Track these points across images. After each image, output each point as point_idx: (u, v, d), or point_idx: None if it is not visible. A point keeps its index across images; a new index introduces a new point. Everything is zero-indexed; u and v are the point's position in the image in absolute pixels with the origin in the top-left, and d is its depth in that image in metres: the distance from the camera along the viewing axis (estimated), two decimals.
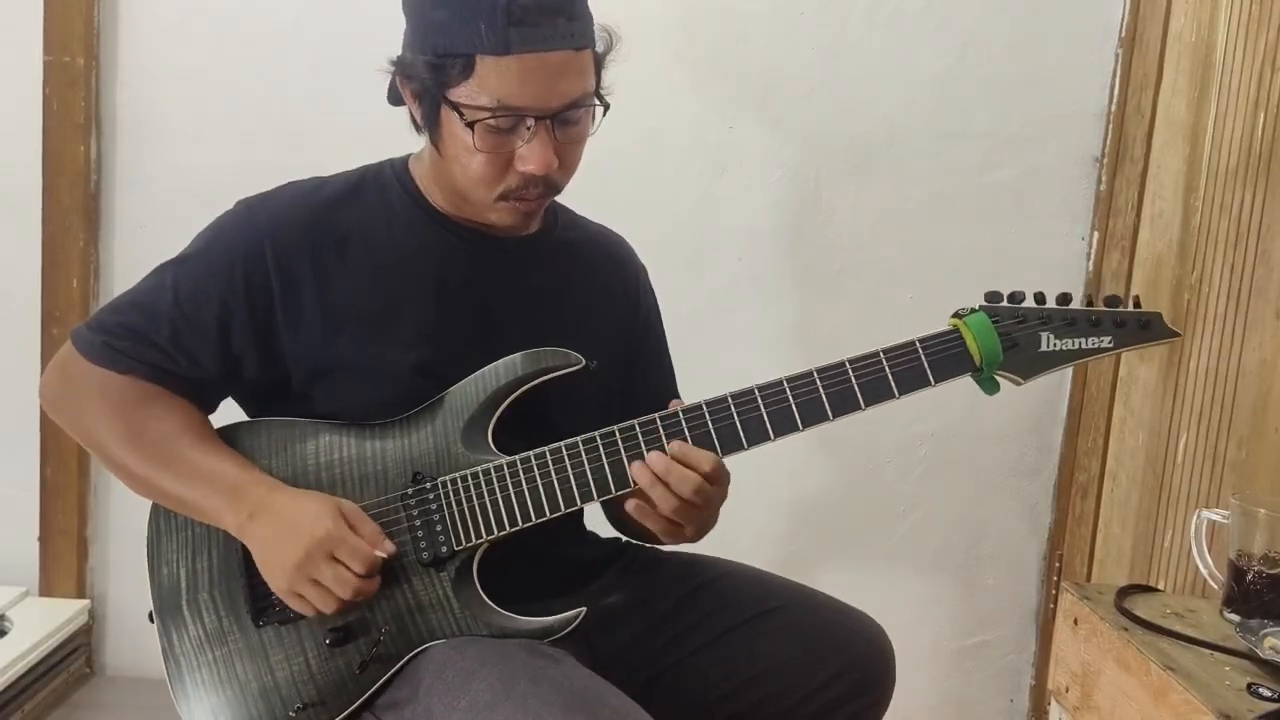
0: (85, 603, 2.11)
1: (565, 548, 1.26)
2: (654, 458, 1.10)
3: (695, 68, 2.01)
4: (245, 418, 1.24)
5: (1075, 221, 2.05)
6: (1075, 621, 1.31)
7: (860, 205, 2.05)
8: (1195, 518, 1.32)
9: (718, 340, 2.05)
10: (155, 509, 1.19)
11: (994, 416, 2.09)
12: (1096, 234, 2.03)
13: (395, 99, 1.18)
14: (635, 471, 1.10)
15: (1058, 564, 2.11)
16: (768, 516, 2.10)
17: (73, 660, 2.09)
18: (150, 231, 2.06)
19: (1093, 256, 2.04)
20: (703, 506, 1.11)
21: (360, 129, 1.94)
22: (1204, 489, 1.62)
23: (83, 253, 2.04)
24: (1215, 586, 1.30)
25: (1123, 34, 1.98)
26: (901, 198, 2.05)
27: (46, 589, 2.12)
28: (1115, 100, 1.99)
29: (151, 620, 1.17)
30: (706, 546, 1.23)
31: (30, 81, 2.00)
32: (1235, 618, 1.22)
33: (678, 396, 1.39)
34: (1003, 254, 2.06)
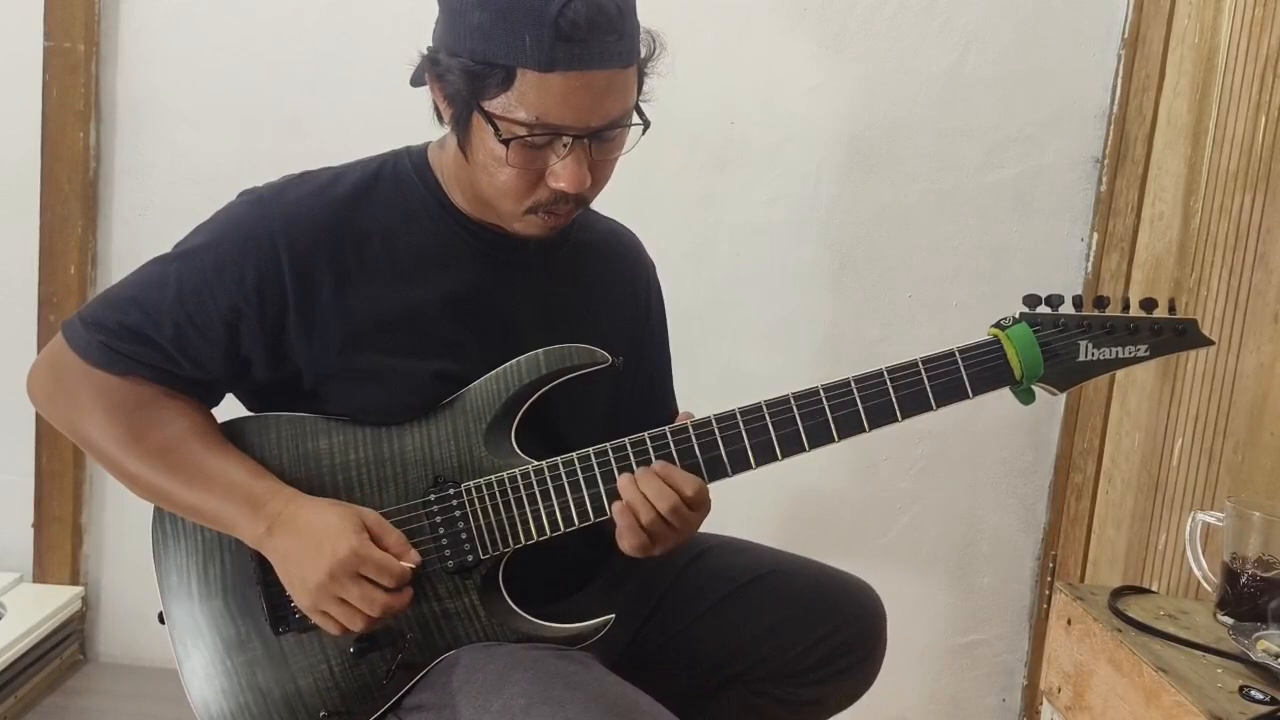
0: (79, 589, 2.11)
1: (574, 546, 1.22)
2: (641, 473, 1.08)
3: (697, 63, 2.00)
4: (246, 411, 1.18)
5: (1075, 222, 2.05)
6: (1068, 621, 1.31)
7: (861, 202, 2.05)
8: (1190, 520, 1.32)
9: (718, 336, 2.05)
10: (159, 511, 1.14)
11: (991, 415, 2.09)
12: (1096, 235, 2.02)
13: (419, 83, 1.10)
14: (622, 483, 1.08)
15: (1052, 564, 2.11)
16: (763, 511, 2.10)
17: (65, 646, 2.09)
18: (149, 219, 2.05)
19: (1092, 257, 2.03)
20: (678, 528, 1.09)
21: (362, 115, 1.96)
22: (1199, 491, 1.62)
23: (81, 239, 2.03)
24: (1209, 589, 1.30)
25: (1125, 35, 1.98)
26: (902, 195, 2.05)
27: (40, 575, 2.12)
28: (1117, 101, 1.99)
29: (162, 621, 1.13)
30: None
31: (30, 67, 2.00)
32: (1228, 620, 1.21)
33: (673, 397, 1.39)
34: (1002, 253, 2.06)
